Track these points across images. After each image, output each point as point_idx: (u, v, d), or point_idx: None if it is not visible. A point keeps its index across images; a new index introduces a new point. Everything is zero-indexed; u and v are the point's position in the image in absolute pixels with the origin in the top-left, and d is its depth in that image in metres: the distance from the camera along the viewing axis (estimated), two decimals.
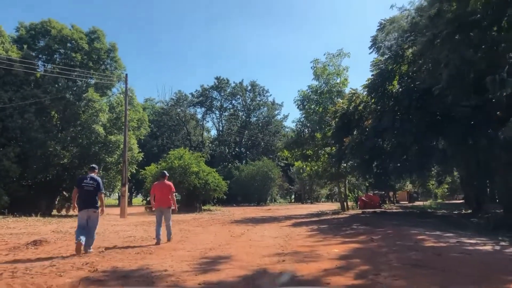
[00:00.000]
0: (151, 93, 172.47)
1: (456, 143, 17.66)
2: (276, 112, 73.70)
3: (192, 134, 73.41)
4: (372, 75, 21.22)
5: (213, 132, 79.33)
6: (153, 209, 11.68)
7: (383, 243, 10.30)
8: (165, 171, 13.00)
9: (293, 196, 77.61)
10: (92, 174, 9.67)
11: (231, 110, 73.41)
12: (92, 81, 29.74)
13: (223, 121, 73.73)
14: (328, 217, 24.51)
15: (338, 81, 29.18)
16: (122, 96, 30.10)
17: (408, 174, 21.20)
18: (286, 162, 67.87)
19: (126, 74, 28.27)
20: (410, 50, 19.82)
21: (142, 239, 12.68)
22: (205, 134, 78.31)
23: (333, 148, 29.30)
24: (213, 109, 72.25)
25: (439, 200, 68.43)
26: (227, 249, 10.03)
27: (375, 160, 21.07)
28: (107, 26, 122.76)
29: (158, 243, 10.93)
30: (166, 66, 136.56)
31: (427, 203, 53.04)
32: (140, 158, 32.29)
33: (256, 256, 8.67)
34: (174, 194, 11.71)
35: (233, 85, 71.38)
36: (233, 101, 72.97)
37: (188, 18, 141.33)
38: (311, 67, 29.68)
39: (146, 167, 35.70)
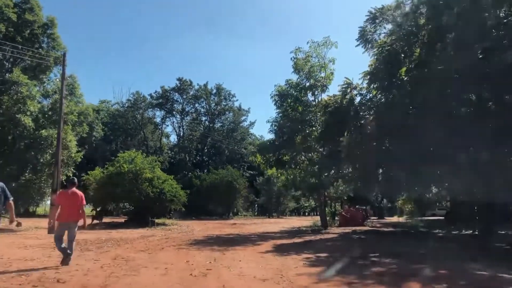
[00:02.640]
0: (107, 96, 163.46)
1: (491, 146, 13.48)
2: (243, 118, 68.87)
3: (149, 139, 67.24)
4: (375, 58, 16.95)
5: (173, 138, 73.45)
6: (51, 225, 10.39)
7: None
8: (75, 178, 10.50)
9: (256, 209, 72.32)
10: None
11: (194, 114, 67.78)
12: (23, 62, 23.92)
13: (184, 126, 68.00)
14: (312, 236, 19.83)
15: (322, 75, 24.81)
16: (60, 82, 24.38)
17: (424, 185, 16.84)
18: (251, 172, 63.20)
19: (64, 53, 22.55)
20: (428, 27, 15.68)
21: (38, 277, 7.57)
22: (164, 140, 72.26)
23: (316, 154, 24.81)
24: (174, 112, 66.36)
25: (406, 216, 65.32)
26: None
27: (381, 167, 16.56)
28: (60, 24, 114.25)
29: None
30: (124, 68, 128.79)
31: (400, 219, 49.84)
32: (79, 159, 26.49)
33: None
34: (84, 206, 9.54)
35: (196, 87, 66.06)
36: (196, 105, 67.46)
37: (152, 19, 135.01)
38: (291, 58, 25.27)
39: (89, 172, 29.84)
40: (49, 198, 24.51)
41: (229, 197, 48.61)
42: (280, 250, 13.71)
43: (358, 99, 18.73)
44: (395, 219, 56.17)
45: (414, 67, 16.10)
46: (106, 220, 33.83)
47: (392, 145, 15.60)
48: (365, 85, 17.97)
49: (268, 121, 25.74)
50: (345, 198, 35.07)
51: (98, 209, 35.84)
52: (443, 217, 36.71)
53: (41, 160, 23.51)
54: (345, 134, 18.41)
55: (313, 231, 24.29)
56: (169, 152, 68.46)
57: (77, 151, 25.59)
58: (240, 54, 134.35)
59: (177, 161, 63.45)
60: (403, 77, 16.20)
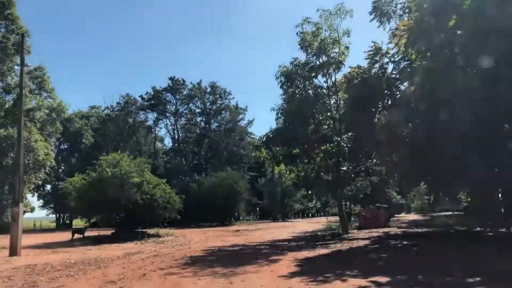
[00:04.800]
0: (98, 102, 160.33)
1: None
2: (240, 117, 64.54)
3: (142, 144, 62.95)
4: (414, 14, 13.03)
5: (167, 141, 69.10)
6: None
7: None
8: None
9: (258, 213, 67.65)
10: None
11: (188, 115, 63.45)
12: None
13: (179, 128, 63.68)
14: (338, 244, 15.83)
15: (336, 50, 20.87)
16: (26, 76, 20.32)
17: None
18: (252, 173, 59.04)
19: (22, 35, 18.61)
20: None
21: None
22: (158, 144, 67.92)
23: (331, 146, 20.80)
24: (167, 114, 62.07)
25: (413, 213, 61.37)
26: None
27: (433, 155, 12.42)
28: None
29: None
30: (114, 71, 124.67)
31: (414, 216, 46.07)
32: (49, 163, 22.29)
33: None
34: None
35: (190, 86, 61.74)
36: (190, 105, 63.10)
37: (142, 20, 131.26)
38: (297, 33, 21.34)
39: (68, 179, 25.80)
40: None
41: (230, 201, 44.41)
42: (310, 270, 9.73)
43: (390, 67, 14.77)
44: (404, 216, 52.49)
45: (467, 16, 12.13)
46: (92, 233, 29.90)
47: (448, 121, 11.55)
48: (399, 49, 14.01)
49: (273, 109, 21.76)
50: (361, 196, 31.06)
51: (87, 222, 32.03)
52: (461, 212, 32.45)
53: (5, 165, 19.38)
54: (376, 112, 14.45)
55: (334, 237, 20.35)
56: (164, 157, 64.30)
57: (46, 154, 21.32)
58: (233, 51, 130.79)
59: (172, 166, 59.29)
60: (456, 31, 12.27)
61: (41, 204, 59.11)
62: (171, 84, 61.10)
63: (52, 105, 22.82)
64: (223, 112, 63.82)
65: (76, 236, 25.90)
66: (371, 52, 14.86)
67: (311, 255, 12.94)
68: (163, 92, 61.36)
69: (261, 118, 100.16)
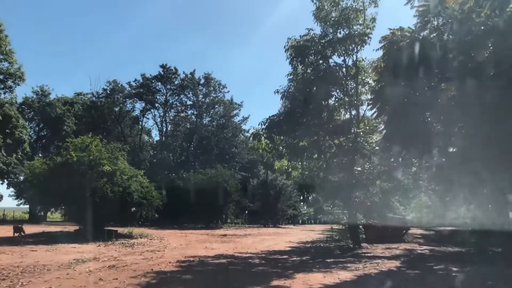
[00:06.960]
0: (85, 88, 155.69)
1: None
2: (234, 112, 59.96)
3: (127, 135, 58.43)
4: None
5: (154, 134, 64.52)
6: None
7: None
8: None
9: (246, 216, 62.65)
10: None
11: (179, 107, 59.16)
12: None
13: (168, 120, 59.34)
14: (360, 265, 11.77)
15: (359, 22, 17.07)
16: None
17: None
18: (244, 174, 54.86)
19: None
20: None
21: None
22: (145, 137, 63.41)
23: (343, 140, 16.96)
24: (156, 104, 57.58)
25: (417, 226, 57.56)
26: None
27: None
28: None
29: None
30: (105, 62, 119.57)
31: (418, 231, 42.14)
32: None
33: None
34: None
35: (182, 76, 57.31)
36: (182, 96, 58.57)
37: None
38: (312, 0, 17.47)
39: (27, 162, 21.64)
40: None
41: (219, 202, 40.15)
42: None
43: (447, 30, 10.85)
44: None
45: None
46: (56, 228, 25.83)
47: None
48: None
49: (278, 92, 17.76)
50: (368, 203, 27.13)
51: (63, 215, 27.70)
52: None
53: None
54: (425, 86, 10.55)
55: (344, 251, 16.45)
56: (150, 151, 60.03)
57: None
58: (231, 48, 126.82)
59: (158, 160, 55.04)
60: None
61: (12, 193, 54.15)
62: (162, 73, 56.68)
63: (9, 70, 18.71)
64: (217, 106, 59.38)
65: (23, 234, 21.36)
66: (422, 9, 10.97)
67: (330, 282, 8.96)
68: (153, 81, 56.88)
69: (257, 118, 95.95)
